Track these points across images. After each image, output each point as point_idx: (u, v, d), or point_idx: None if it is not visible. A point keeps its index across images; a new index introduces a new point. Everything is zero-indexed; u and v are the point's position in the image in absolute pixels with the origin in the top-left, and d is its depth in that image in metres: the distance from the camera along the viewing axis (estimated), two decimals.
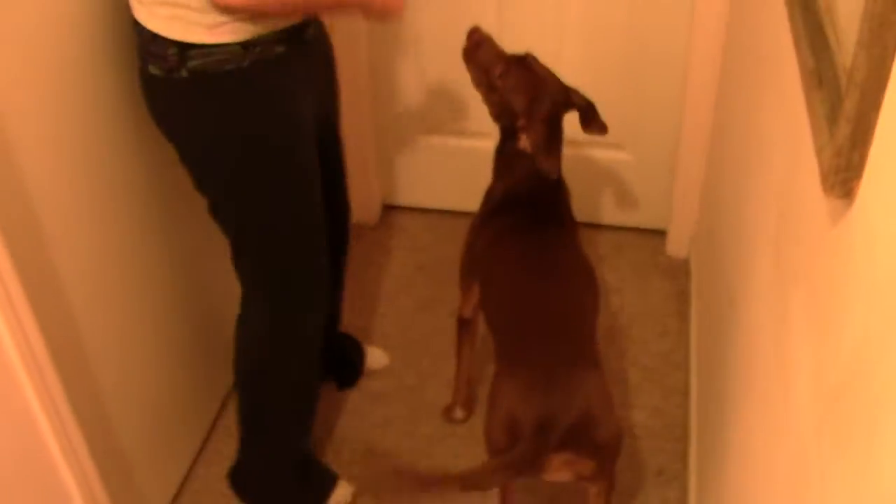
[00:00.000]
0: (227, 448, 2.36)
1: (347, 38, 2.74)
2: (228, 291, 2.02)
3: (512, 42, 2.73)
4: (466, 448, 2.34)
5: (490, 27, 2.19)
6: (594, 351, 1.88)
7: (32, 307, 1.56)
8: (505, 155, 2.15)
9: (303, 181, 1.83)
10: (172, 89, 1.67)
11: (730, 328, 1.82)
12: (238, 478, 2.23)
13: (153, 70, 1.67)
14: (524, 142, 2.03)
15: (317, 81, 1.88)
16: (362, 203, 3.10)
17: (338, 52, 2.75)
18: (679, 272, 2.86)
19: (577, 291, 1.95)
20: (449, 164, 3.04)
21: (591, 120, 2.14)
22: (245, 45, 1.62)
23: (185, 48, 1.61)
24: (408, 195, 3.17)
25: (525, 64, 2.10)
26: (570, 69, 2.71)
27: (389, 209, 3.19)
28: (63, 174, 1.72)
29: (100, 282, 1.87)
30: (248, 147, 1.73)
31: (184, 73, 1.63)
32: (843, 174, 0.89)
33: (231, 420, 2.42)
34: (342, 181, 2.17)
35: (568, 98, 2.10)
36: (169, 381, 2.19)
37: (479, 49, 2.12)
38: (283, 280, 1.94)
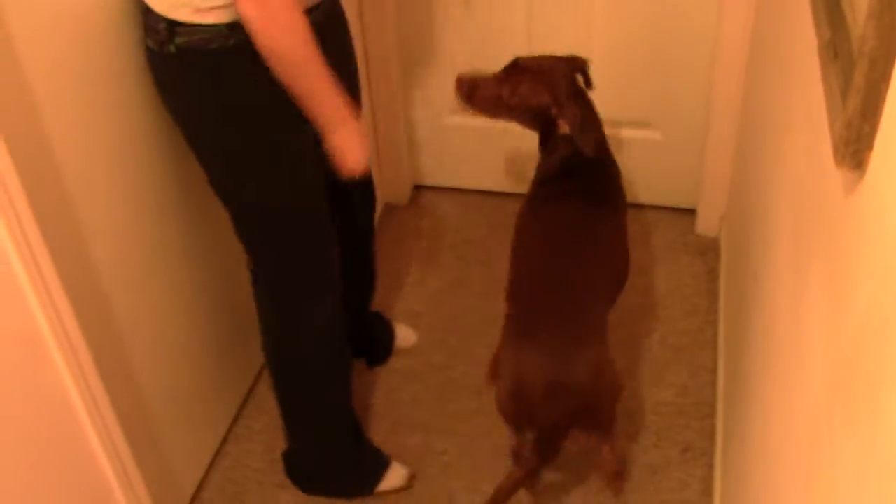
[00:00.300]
0: (257, 424, 2.40)
1: (376, 19, 2.75)
2: None
3: (542, 19, 2.74)
4: (494, 425, 2.35)
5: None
6: (603, 330, 1.92)
7: (67, 291, 1.59)
8: (549, 147, 2.17)
9: (296, 163, 1.79)
10: (164, 63, 1.68)
11: (753, 305, 1.82)
12: (290, 463, 2.26)
13: (149, 43, 1.68)
14: (563, 126, 2.05)
15: None
16: (392, 183, 3.13)
17: (367, 34, 2.78)
18: (708, 251, 2.85)
19: (598, 270, 1.97)
20: (478, 145, 3.05)
21: (586, 77, 2.17)
22: (231, 27, 1.59)
23: (172, 24, 1.60)
24: (438, 175, 3.18)
25: (520, 68, 2.11)
26: (599, 49, 2.72)
27: (419, 189, 3.21)
28: (97, 160, 1.74)
29: (131, 262, 1.90)
30: (234, 123, 1.71)
31: (171, 49, 1.63)
32: (854, 145, 0.89)
33: (262, 397, 2.46)
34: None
35: (572, 65, 2.13)
36: (200, 358, 2.21)
37: (475, 93, 2.14)
38: (282, 265, 1.93)
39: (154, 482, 1.97)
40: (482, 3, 2.74)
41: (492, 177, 3.11)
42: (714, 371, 2.44)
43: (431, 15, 2.81)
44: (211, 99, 1.69)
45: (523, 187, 2.27)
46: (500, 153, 3.06)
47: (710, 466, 2.20)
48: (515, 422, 1.94)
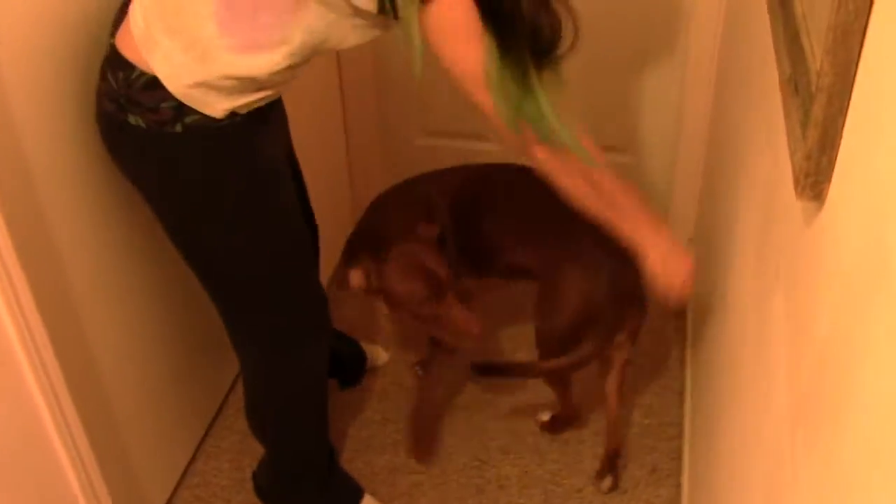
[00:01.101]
0: (225, 442, 2.40)
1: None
2: None
3: None
4: (464, 446, 2.37)
5: None
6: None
7: (37, 304, 1.59)
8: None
9: (292, 214, 1.81)
10: (158, 142, 1.60)
11: (720, 328, 1.85)
12: (260, 485, 2.24)
13: (133, 121, 1.57)
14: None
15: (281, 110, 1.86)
16: (365, 202, 3.14)
17: (344, 56, 2.80)
18: None
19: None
20: (449, 165, 3.06)
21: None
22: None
23: (183, 104, 1.55)
24: None
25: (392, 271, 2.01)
26: (572, 71, 2.74)
27: None
28: (66, 166, 1.74)
29: (102, 273, 1.90)
30: (239, 195, 1.69)
31: (178, 128, 1.56)
32: (813, 177, 0.92)
33: (231, 415, 2.46)
34: (306, 195, 2.10)
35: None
36: (170, 375, 2.21)
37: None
38: (277, 319, 1.89)
39: (121, 498, 1.96)
40: None
41: None
42: (681, 392, 2.47)
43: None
44: (215, 175, 1.65)
45: None
46: None
47: (678, 487, 2.23)
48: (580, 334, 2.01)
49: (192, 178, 1.65)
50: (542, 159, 1.61)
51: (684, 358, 2.56)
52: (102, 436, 1.89)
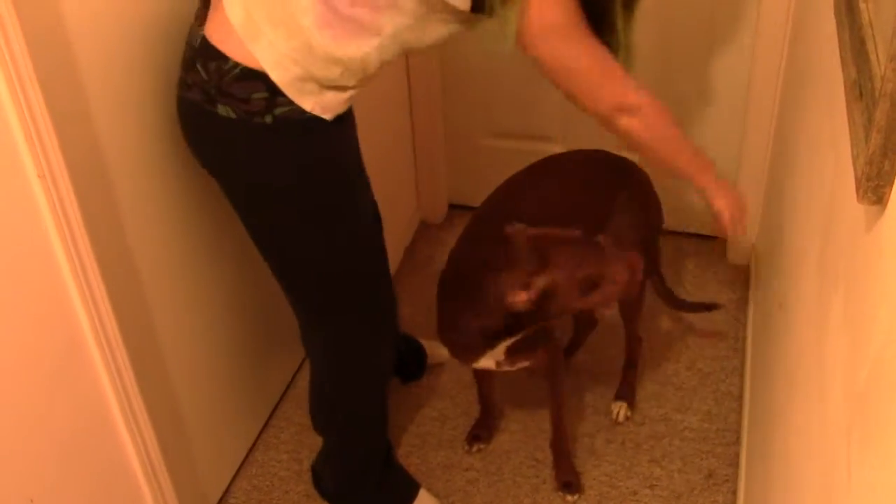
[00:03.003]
0: (285, 433, 2.44)
1: None
2: None
3: None
4: (521, 445, 2.39)
5: None
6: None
7: (109, 294, 1.64)
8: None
9: (363, 215, 1.85)
10: (246, 132, 1.63)
11: (779, 334, 1.84)
12: (318, 477, 2.27)
13: (223, 111, 1.61)
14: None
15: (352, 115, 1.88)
16: (429, 201, 3.18)
17: (412, 58, 2.83)
18: (738, 279, 2.87)
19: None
20: (511, 167, 3.07)
21: None
22: None
23: (275, 94, 1.58)
24: (474, 195, 3.21)
25: (543, 244, 1.84)
26: (637, 77, 2.75)
27: (455, 209, 3.24)
28: (142, 164, 1.79)
29: (171, 266, 1.94)
30: (323, 181, 1.72)
31: (268, 119, 1.60)
32: (875, 181, 0.92)
33: (292, 406, 2.51)
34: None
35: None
36: (234, 366, 2.25)
37: (551, 304, 1.83)
38: (349, 322, 1.93)
39: (182, 486, 2.00)
40: None
41: None
42: (740, 398, 2.46)
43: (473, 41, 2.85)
44: (302, 167, 1.69)
45: None
46: None
47: (734, 493, 2.22)
48: None
49: (278, 167, 1.68)
50: (638, 105, 1.68)
51: (744, 363, 2.55)
52: (166, 423, 1.93)
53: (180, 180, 1.91)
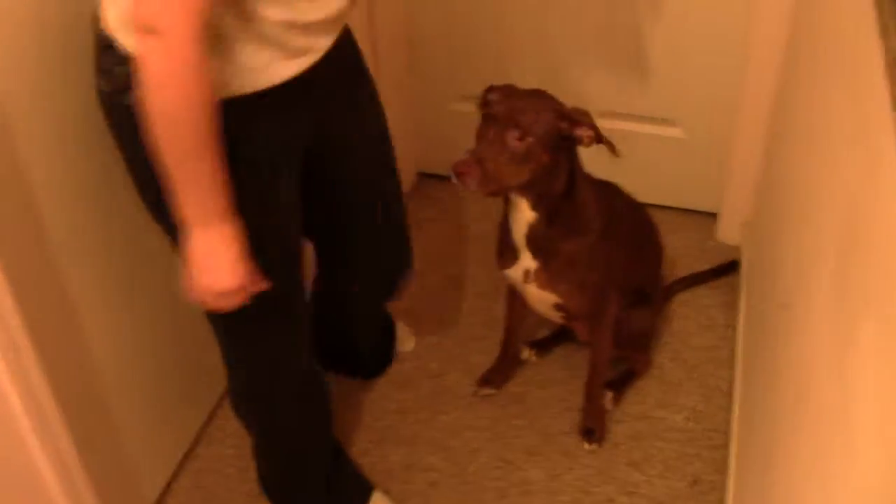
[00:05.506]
0: (230, 426, 2.23)
1: (386, 6, 2.58)
2: None
3: (559, 6, 2.56)
4: (487, 444, 2.20)
5: None
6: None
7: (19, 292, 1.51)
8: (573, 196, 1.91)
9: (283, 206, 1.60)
10: (118, 111, 1.42)
11: (784, 334, 1.65)
12: (263, 475, 2.08)
13: (103, 86, 1.43)
14: (587, 141, 1.79)
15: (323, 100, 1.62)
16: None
17: (376, 16, 2.61)
18: (729, 259, 2.66)
19: None
20: None
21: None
22: None
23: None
24: (443, 163, 3.00)
25: (500, 110, 1.81)
26: (621, 35, 2.54)
27: (424, 177, 3.04)
28: (60, 160, 1.63)
29: (97, 259, 1.78)
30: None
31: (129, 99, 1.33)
32: None
33: None
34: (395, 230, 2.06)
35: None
36: (169, 354, 2.08)
37: (482, 166, 1.78)
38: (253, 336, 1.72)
39: (108, 484, 1.86)
40: None
41: None
42: (729, 394, 2.26)
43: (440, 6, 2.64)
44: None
45: None
46: None
47: (721, 503, 2.03)
48: None
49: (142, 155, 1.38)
50: (172, 34, 1.19)
51: (734, 354, 2.34)
52: (85, 418, 1.78)
53: (108, 171, 1.68)
